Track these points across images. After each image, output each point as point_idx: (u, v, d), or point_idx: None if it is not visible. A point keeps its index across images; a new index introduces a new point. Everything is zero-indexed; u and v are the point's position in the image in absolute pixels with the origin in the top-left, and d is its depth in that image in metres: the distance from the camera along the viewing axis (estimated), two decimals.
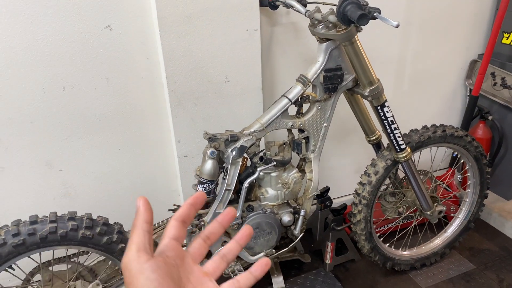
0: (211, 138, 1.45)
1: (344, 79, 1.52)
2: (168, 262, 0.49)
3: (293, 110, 1.58)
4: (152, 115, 1.80)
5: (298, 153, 1.62)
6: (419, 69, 2.29)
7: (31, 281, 1.50)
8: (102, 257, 1.51)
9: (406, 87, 2.30)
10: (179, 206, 1.46)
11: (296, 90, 1.52)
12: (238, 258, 1.54)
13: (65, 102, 1.66)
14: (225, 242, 1.50)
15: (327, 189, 2.04)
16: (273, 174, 1.56)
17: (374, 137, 1.79)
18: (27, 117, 1.62)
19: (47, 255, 1.48)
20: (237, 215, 1.48)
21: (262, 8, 1.76)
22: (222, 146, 1.47)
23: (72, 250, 1.45)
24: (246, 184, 1.46)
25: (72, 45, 1.58)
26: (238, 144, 1.47)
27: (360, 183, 1.79)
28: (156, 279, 0.46)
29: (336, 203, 2.18)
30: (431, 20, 2.17)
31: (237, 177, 1.49)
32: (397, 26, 1.13)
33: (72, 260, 1.53)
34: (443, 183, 2.25)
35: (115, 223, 1.49)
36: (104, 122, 1.75)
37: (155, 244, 0.59)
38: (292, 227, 1.59)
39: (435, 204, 1.86)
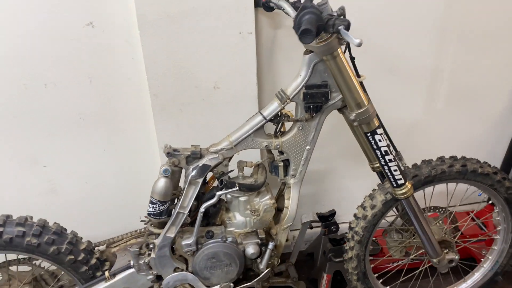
0: (170, 154, 1.31)
1: (331, 97, 1.30)
2: None
3: (271, 128, 1.39)
4: (137, 118, 1.71)
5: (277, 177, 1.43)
6: (460, 86, 1.94)
7: None
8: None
9: (440, 106, 1.96)
10: (149, 220, 1.34)
11: (272, 107, 1.32)
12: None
13: (48, 99, 1.62)
14: (178, 268, 1.36)
15: (333, 213, 1.82)
16: (241, 199, 1.38)
17: (377, 164, 1.54)
18: (9, 111, 1.61)
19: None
20: (190, 242, 1.33)
21: (261, 9, 1.57)
22: (183, 163, 1.33)
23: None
24: (202, 209, 1.30)
25: (54, 42, 1.52)
26: (200, 163, 1.32)
27: (355, 216, 1.55)
28: None
29: (343, 229, 1.95)
30: (477, 26, 1.81)
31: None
32: (359, 45, 0.89)
33: (33, 263, 1.50)
34: (477, 219, 1.91)
35: (71, 232, 1.42)
36: (87, 121, 1.69)
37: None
38: (258, 261, 1.40)
39: (445, 251, 1.55)
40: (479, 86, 1.96)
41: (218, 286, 1.37)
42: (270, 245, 1.38)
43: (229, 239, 1.35)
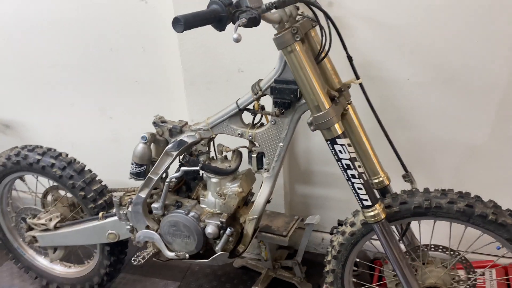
0: (155, 123, 1.45)
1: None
2: None
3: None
4: (176, 90, 1.88)
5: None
6: None
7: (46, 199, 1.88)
8: None
9: None
10: (131, 178, 1.52)
11: (246, 97, 1.32)
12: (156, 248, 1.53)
13: (113, 62, 1.92)
14: (149, 226, 1.51)
15: None
16: (213, 180, 1.43)
17: (376, 180, 1.38)
18: (86, 69, 1.97)
19: None
20: (157, 206, 1.45)
21: None
22: (166, 134, 1.45)
23: None
24: (167, 179, 1.41)
25: (116, 13, 1.79)
26: (178, 137, 1.42)
27: (336, 228, 1.44)
28: None
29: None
30: None
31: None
32: (235, 40, 0.84)
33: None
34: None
35: (92, 174, 1.70)
36: (141, 86, 1.94)
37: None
38: (217, 242, 1.44)
39: None
40: None
41: (175, 253, 1.47)
42: (228, 230, 1.41)
43: (191, 213, 1.43)
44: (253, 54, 1.64)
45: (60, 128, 2.19)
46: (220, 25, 0.94)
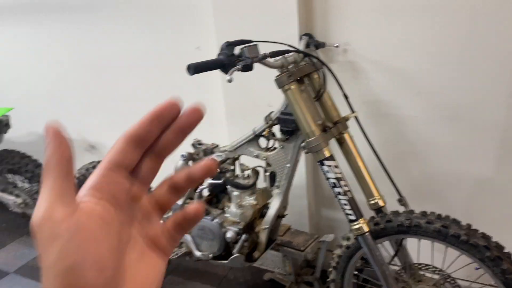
0: (193, 145, 1.81)
1: None
2: (103, 214, 0.33)
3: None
4: (222, 120, 2.24)
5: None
6: None
7: None
8: None
9: None
10: None
11: (260, 125, 1.63)
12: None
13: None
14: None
15: None
16: (234, 193, 1.74)
17: (372, 202, 1.58)
18: (151, 101, 2.43)
19: None
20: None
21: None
22: (201, 154, 1.80)
23: None
24: (197, 191, 1.74)
25: (175, 58, 2.24)
26: (209, 157, 1.76)
27: (339, 242, 1.65)
28: (75, 252, 0.30)
29: None
30: None
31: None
32: (228, 81, 1.16)
33: None
34: None
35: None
36: None
37: None
38: (235, 245, 1.72)
39: None
40: None
41: (202, 252, 1.78)
42: (244, 236, 1.69)
43: (216, 220, 1.74)
44: (278, 92, 1.94)
45: None
46: (224, 70, 1.27)
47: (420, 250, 1.58)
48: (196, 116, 0.37)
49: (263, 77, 1.91)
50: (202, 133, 2.33)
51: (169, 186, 0.39)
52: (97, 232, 0.32)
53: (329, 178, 1.42)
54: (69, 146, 0.33)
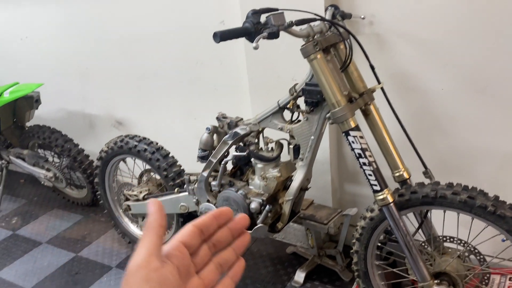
0: (218, 118, 1.83)
1: None
2: (175, 274, 0.47)
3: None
4: (246, 95, 2.25)
5: None
6: None
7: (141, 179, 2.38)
8: None
9: None
10: (198, 161, 1.92)
11: (285, 98, 1.63)
12: None
13: (198, 73, 2.38)
14: (209, 200, 1.89)
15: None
16: (258, 166, 1.75)
17: (397, 174, 1.58)
18: (177, 77, 2.46)
19: None
20: (215, 183, 1.82)
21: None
22: (225, 128, 1.82)
23: None
24: (222, 162, 1.77)
25: (200, 33, 2.25)
26: (233, 130, 1.78)
27: (362, 213, 1.65)
28: None
29: None
30: None
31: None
32: (254, 48, 1.17)
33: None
34: None
35: (174, 159, 2.14)
36: (220, 92, 2.36)
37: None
38: (259, 216, 1.75)
39: (436, 281, 1.44)
40: None
41: None
42: (267, 207, 1.71)
43: (240, 191, 1.76)
44: (304, 65, 1.94)
45: (157, 125, 2.71)
46: (250, 38, 1.27)
47: (444, 223, 1.57)
48: (243, 222, 0.55)
49: (288, 50, 1.91)
50: (225, 107, 2.37)
51: (208, 247, 0.54)
52: (174, 284, 0.47)
53: (355, 148, 1.42)
54: (165, 217, 0.50)
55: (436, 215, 1.55)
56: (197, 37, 2.26)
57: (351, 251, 1.68)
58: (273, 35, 1.24)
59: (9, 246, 2.65)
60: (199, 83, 2.40)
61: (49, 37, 2.86)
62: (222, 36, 1.21)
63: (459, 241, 1.51)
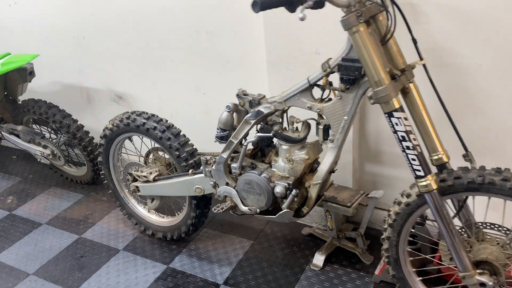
0: (238, 95, 1.69)
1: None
2: None
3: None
4: (263, 69, 2.10)
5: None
6: None
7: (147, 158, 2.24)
8: None
9: None
10: (216, 141, 1.78)
11: (316, 74, 1.49)
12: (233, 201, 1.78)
13: (208, 44, 2.21)
14: (228, 183, 1.77)
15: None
16: (283, 147, 1.63)
17: (436, 157, 1.47)
18: (184, 51, 2.29)
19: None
20: (236, 166, 1.70)
21: None
22: (247, 105, 1.68)
23: None
24: (245, 143, 1.64)
25: (208, 1, 2.07)
26: (256, 108, 1.64)
27: (396, 199, 1.56)
28: None
29: None
30: None
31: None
32: (300, 19, 1.02)
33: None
34: None
35: (185, 138, 2.00)
36: (231, 65, 2.21)
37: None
38: (284, 201, 1.64)
39: (478, 271, 1.37)
40: None
41: (248, 207, 1.71)
42: (294, 191, 1.60)
43: (264, 174, 1.65)
44: (330, 37, 1.79)
45: (162, 100, 2.55)
46: (291, 7, 1.13)
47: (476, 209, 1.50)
48: None
49: (311, 21, 1.76)
50: (237, 83, 2.22)
51: None
52: None
53: (398, 131, 1.31)
54: None
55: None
56: (208, 4, 2.08)
57: (382, 237, 1.60)
58: (319, 4, 1.09)
59: (7, 228, 2.52)
60: (208, 55, 2.24)
61: (40, 2, 2.63)
62: (262, 4, 1.06)
63: (505, 229, 1.43)
